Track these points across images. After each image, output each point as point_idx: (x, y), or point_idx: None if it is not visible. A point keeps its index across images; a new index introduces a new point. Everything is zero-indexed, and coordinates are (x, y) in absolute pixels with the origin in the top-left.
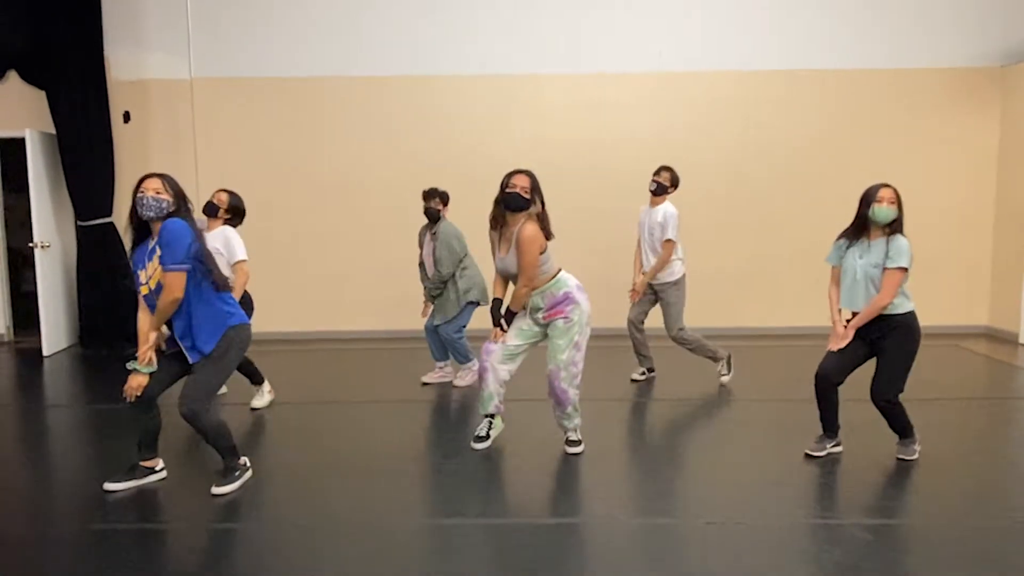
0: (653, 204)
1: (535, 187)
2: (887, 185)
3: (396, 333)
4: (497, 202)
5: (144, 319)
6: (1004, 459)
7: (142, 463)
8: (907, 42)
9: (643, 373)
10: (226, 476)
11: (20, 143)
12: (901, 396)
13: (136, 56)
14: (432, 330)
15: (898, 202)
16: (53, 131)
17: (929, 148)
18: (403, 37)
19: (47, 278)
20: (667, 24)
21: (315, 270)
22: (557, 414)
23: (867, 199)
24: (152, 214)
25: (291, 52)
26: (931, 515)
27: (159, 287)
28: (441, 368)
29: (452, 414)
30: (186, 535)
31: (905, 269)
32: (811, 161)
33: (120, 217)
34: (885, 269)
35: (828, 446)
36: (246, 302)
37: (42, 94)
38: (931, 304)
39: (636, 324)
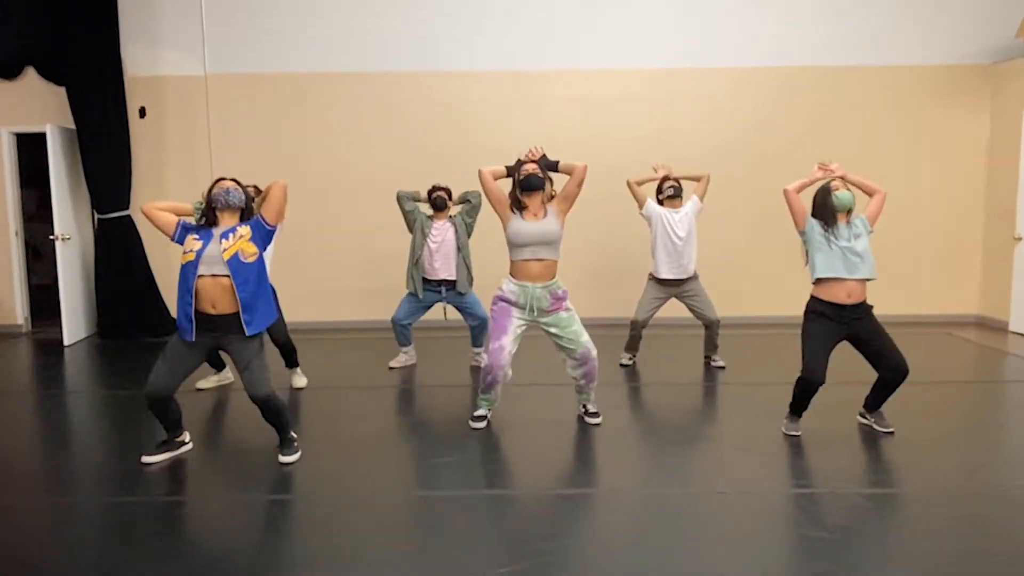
0: (670, 206)
1: (542, 169)
2: (830, 181)
3: None
4: (515, 190)
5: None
6: (990, 436)
7: (173, 439)
8: (899, 39)
9: (631, 358)
10: (290, 447)
11: (35, 138)
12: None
13: (152, 53)
14: (403, 325)
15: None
16: (72, 126)
17: (921, 143)
18: (413, 33)
19: (67, 270)
20: (664, 21)
21: (329, 263)
22: (588, 389)
23: (826, 190)
24: (237, 202)
25: (303, 48)
26: (922, 485)
27: (235, 257)
28: (480, 352)
29: (455, 398)
30: (207, 508)
31: None
32: (804, 157)
33: (136, 210)
34: (867, 217)
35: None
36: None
37: (61, 90)
38: (923, 293)
39: (645, 324)
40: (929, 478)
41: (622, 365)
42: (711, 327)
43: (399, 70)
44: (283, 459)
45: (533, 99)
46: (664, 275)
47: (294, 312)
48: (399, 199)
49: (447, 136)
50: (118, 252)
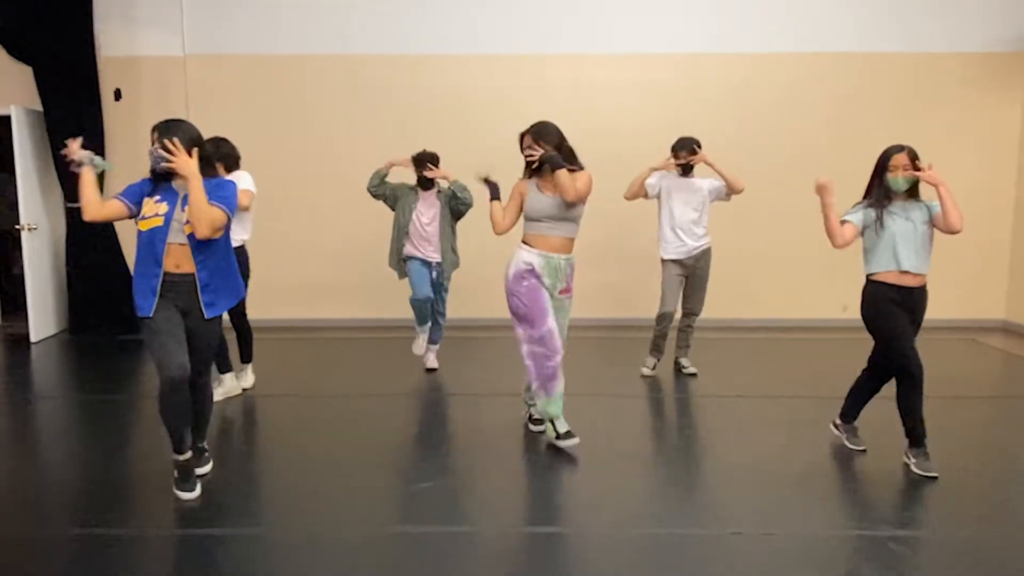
0: (681, 175)
1: (538, 137)
2: (901, 149)
3: (387, 321)
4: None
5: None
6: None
7: (183, 457)
8: (927, 26)
9: (654, 367)
10: (203, 457)
11: (5, 120)
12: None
13: (127, 32)
14: (427, 301)
15: (913, 165)
16: (40, 108)
17: (948, 136)
18: (405, 14)
19: (35, 261)
20: (678, 5)
21: (314, 256)
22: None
23: (882, 167)
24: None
25: (288, 28)
26: (964, 525)
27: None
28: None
29: (440, 409)
30: (162, 540)
31: None
32: (826, 147)
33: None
34: (935, 216)
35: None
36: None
37: (28, 69)
38: (947, 297)
39: (672, 317)
40: (969, 516)
41: (644, 376)
42: (688, 316)
43: (391, 52)
44: (198, 470)
45: (535, 85)
46: (668, 255)
47: (274, 309)
48: (372, 193)
49: (441, 123)
50: (90, 243)
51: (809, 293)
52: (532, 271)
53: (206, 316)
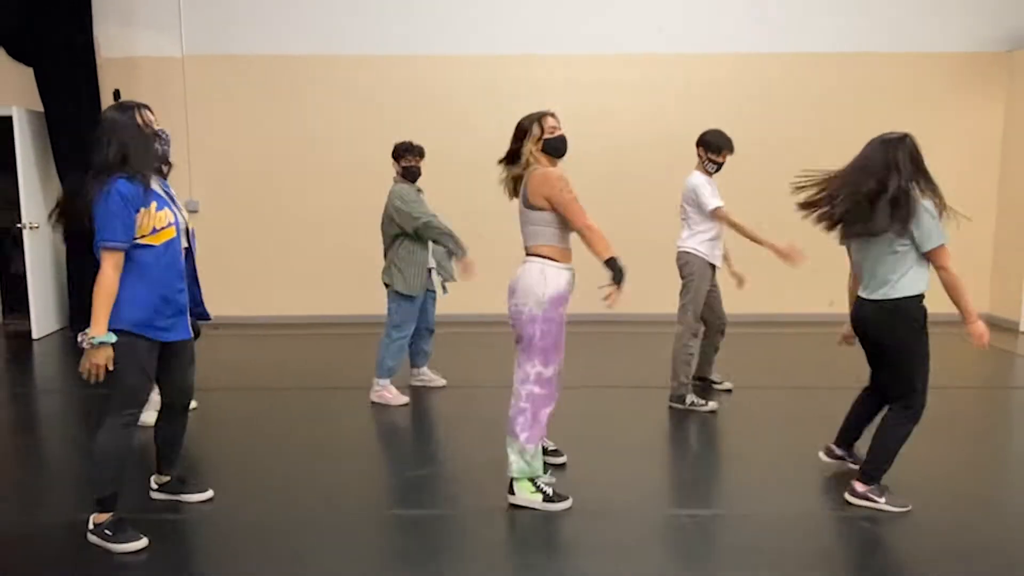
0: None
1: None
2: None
3: (381, 318)
4: (513, 160)
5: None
6: (1005, 451)
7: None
8: (910, 25)
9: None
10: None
11: (6, 121)
12: None
13: (126, 33)
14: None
15: None
16: (41, 109)
17: (931, 135)
18: (398, 16)
19: (36, 259)
20: (663, 4)
21: (310, 253)
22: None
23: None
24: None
25: (285, 30)
26: (935, 507)
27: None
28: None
29: (425, 407)
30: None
31: None
32: (807, 147)
33: None
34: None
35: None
36: None
37: (29, 71)
38: (931, 291)
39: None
40: (940, 499)
41: (727, 390)
42: (721, 332)
43: (384, 54)
44: (196, 497)
45: (523, 84)
46: (714, 260)
47: (273, 304)
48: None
49: (432, 122)
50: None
51: (796, 288)
52: (566, 296)
53: (209, 318)
